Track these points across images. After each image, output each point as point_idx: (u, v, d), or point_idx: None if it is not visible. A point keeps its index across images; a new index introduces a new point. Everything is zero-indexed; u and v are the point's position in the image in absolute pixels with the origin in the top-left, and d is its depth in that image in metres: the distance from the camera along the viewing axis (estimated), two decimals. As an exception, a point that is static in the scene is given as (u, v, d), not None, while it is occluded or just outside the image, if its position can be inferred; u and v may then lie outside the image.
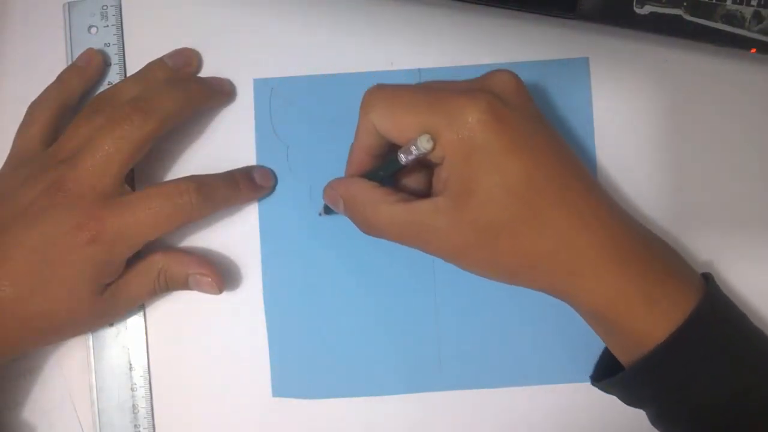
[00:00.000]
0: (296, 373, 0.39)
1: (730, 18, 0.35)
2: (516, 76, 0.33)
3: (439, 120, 0.31)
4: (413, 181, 0.35)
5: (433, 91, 0.32)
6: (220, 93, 0.40)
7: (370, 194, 0.34)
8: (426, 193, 0.35)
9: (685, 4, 0.35)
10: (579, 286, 0.32)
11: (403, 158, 0.32)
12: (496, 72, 0.33)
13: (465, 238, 0.32)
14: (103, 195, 0.35)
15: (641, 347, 0.32)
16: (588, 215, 0.32)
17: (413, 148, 0.31)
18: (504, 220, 0.31)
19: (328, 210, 0.38)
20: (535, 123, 0.33)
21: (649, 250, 0.33)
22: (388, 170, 0.34)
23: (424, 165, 0.34)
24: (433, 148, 0.31)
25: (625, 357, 0.33)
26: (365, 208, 0.34)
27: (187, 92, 0.37)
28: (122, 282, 0.36)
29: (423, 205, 0.32)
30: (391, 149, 0.34)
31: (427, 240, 0.33)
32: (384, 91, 0.33)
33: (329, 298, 0.39)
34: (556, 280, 0.32)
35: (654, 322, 0.31)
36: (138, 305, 0.39)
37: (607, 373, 0.34)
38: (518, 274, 0.33)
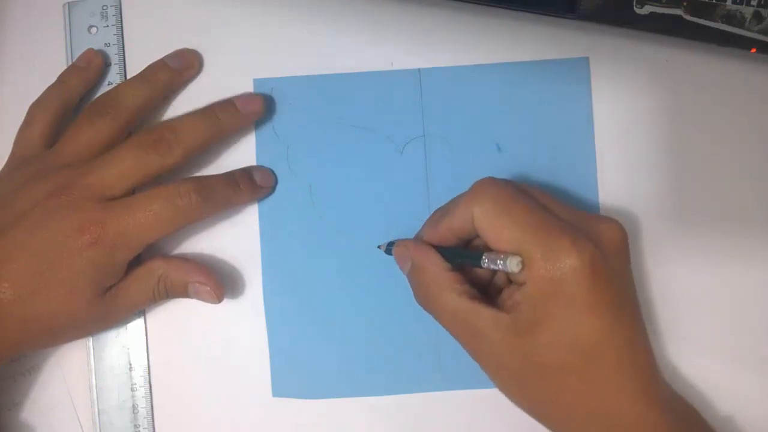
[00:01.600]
0: (296, 373, 0.39)
1: (730, 18, 0.35)
2: (624, 232, 0.33)
3: (537, 250, 0.31)
4: (483, 271, 0.35)
5: (542, 216, 0.32)
6: (253, 115, 0.39)
7: (440, 275, 0.33)
8: (491, 284, 0.35)
9: (685, 4, 0.35)
10: None
11: (486, 263, 0.32)
12: (606, 221, 0.33)
13: (513, 364, 0.32)
14: (106, 199, 0.35)
15: None
16: (639, 390, 0.32)
17: (500, 262, 0.31)
18: (558, 366, 0.31)
19: (389, 251, 0.37)
20: (625, 287, 0.33)
21: None
22: (466, 263, 0.34)
23: None
24: (520, 272, 0.31)
25: None
26: (430, 285, 0.34)
27: (216, 125, 0.37)
28: (122, 287, 0.36)
29: (486, 313, 0.32)
30: (475, 236, 0.34)
31: (475, 345, 0.33)
32: (497, 191, 0.33)
33: (329, 298, 0.39)
34: None
35: None
36: (137, 311, 0.39)
37: None
38: (549, 417, 0.33)
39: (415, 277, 0.35)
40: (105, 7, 0.41)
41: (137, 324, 0.40)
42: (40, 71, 0.40)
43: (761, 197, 0.39)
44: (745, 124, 0.39)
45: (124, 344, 0.40)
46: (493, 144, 0.39)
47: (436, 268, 0.34)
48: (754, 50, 0.36)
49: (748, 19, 0.35)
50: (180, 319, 0.40)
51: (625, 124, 0.39)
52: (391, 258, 0.39)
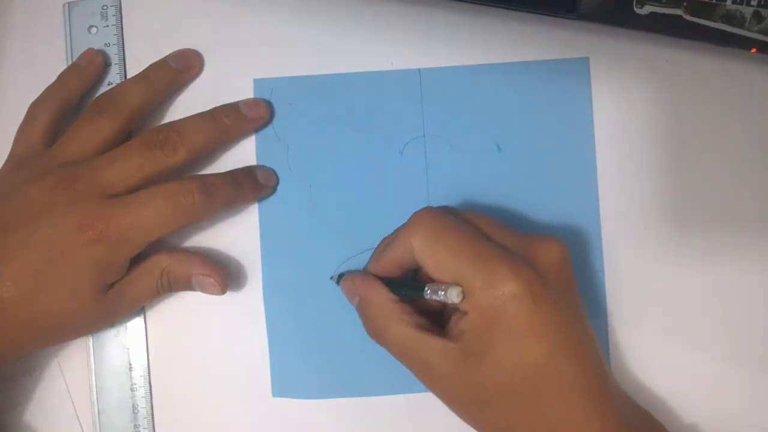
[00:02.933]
0: (296, 373, 0.39)
1: (730, 18, 0.35)
2: (564, 251, 0.33)
3: (476, 279, 0.31)
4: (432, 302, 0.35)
5: (479, 244, 0.32)
6: (257, 120, 0.39)
7: (387, 307, 0.34)
8: (438, 315, 0.35)
9: (685, 4, 0.35)
10: None
11: (428, 294, 0.32)
12: (546, 241, 0.33)
13: (465, 393, 0.32)
14: (108, 196, 0.35)
15: None
16: (590, 407, 0.32)
17: (441, 293, 0.31)
18: (506, 393, 0.31)
19: (340, 283, 0.37)
20: (568, 306, 0.33)
21: None
22: (410, 295, 0.34)
23: None
24: (461, 302, 0.31)
25: None
26: (378, 318, 0.34)
27: (221, 128, 0.38)
28: (125, 282, 0.36)
29: (434, 343, 0.32)
30: (418, 269, 0.34)
31: (428, 376, 0.33)
32: (433, 221, 0.33)
33: (329, 298, 0.39)
34: None
35: None
36: (140, 306, 0.39)
37: None
38: None
39: (363, 311, 0.35)
40: (105, 7, 0.41)
41: (137, 324, 0.40)
42: (40, 71, 0.40)
43: (761, 197, 0.39)
44: (745, 124, 0.39)
45: (124, 344, 0.40)
46: (493, 144, 0.39)
47: (383, 300, 0.34)
48: (754, 50, 0.36)
49: (748, 19, 0.35)
50: (180, 319, 0.40)
51: (625, 124, 0.39)
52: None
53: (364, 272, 0.36)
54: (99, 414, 0.39)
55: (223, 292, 0.38)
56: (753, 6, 0.35)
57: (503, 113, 0.39)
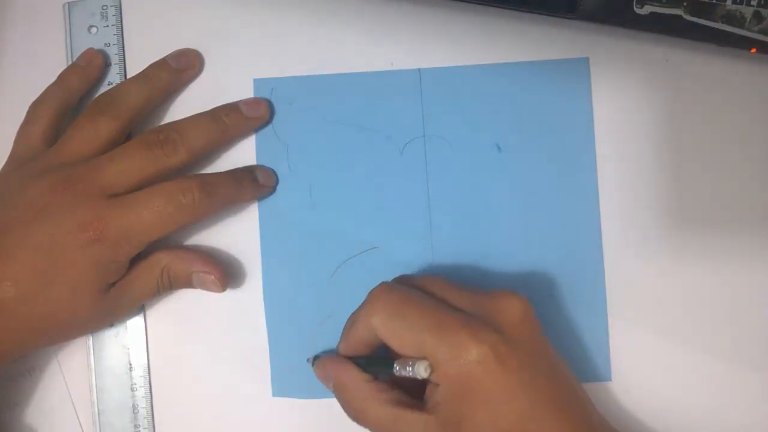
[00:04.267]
0: (296, 373, 0.39)
1: (730, 18, 0.35)
2: (525, 304, 0.32)
3: (440, 350, 0.31)
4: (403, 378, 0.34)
5: (437, 313, 0.32)
6: (257, 119, 0.39)
7: (361, 388, 0.33)
8: (418, 382, 0.34)
9: (685, 4, 0.35)
10: None
11: (398, 371, 0.32)
12: (504, 297, 0.32)
13: None
14: (108, 196, 0.35)
15: None
16: None
17: (409, 368, 0.31)
18: None
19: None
20: (538, 361, 0.32)
21: None
22: (381, 374, 0.34)
23: None
24: (430, 375, 0.31)
25: None
26: (353, 400, 0.33)
27: (222, 128, 0.38)
28: (126, 281, 0.36)
29: (412, 418, 0.32)
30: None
31: None
32: (390, 298, 0.33)
33: (329, 298, 0.39)
34: None
35: None
36: (141, 304, 0.39)
37: None
38: None
39: (338, 394, 0.34)
40: (105, 7, 0.41)
41: (137, 324, 0.40)
42: (40, 71, 0.40)
43: (761, 197, 0.39)
44: (745, 123, 0.39)
45: (124, 344, 0.40)
46: (493, 144, 0.39)
47: (356, 381, 0.33)
48: (754, 50, 0.36)
49: (748, 19, 0.35)
50: (180, 320, 0.40)
51: (625, 124, 0.39)
52: (390, 258, 0.39)
53: (335, 354, 0.35)
54: (99, 414, 0.39)
55: (224, 289, 0.38)
56: (753, 6, 0.35)
57: (503, 113, 0.39)
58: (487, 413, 0.30)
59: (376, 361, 0.34)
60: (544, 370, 0.32)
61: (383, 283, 0.34)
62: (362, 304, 0.34)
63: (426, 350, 0.31)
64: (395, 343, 0.32)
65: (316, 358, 0.37)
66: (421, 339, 0.31)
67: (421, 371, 0.31)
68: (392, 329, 0.32)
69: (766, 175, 0.39)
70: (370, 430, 0.33)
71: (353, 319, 0.34)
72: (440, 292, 0.34)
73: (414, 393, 0.33)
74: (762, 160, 0.39)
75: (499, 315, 0.32)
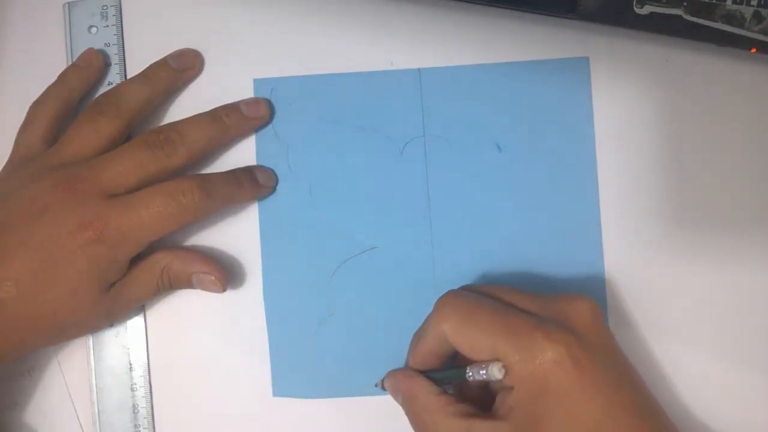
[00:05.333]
0: (296, 373, 0.39)
1: (730, 18, 0.35)
2: (594, 307, 0.32)
3: (513, 352, 0.30)
4: (476, 382, 0.34)
5: (509, 316, 0.32)
6: (257, 119, 0.39)
7: (431, 401, 0.33)
8: (485, 396, 0.34)
9: (685, 4, 0.35)
10: None
11: (471, 376, 0.32)
12: (574, 301, 0.32)
13: None
14: (108, 196, 0.35)
15: None
16: None
17: (483, 372, 0.31)
18: None
19: (384, 388, 0.37)
20: (612, 362, 0.32)
21: None
22: (453, 380, 0.33)
23: None
24: (504, 377, 0.31)
25: None
26: (423, 414, 0.33)
27: (222, 128, 0.38)
28: (126, 281, 0.36)
29: (483, 426, 0.31)
30: (457, 351, 0.33)
31: None
32: (459, 303, 0.33)
33: (329, 298, 0.39)
34: None
35: None
36: (141, 305, 0.39)
37: None
38: None
39: (407, 407, 0.34)
40: (105, 7, 0.41)
41: (137, 324, 0.40)
42: (40, 71, 0.40)
43: (761, 197, 0.39)
44: (745, 123, 0.39)
45: (124, 344, 0.40)
46: (493, 144, 0.39)
47: (425, 394, 0.33)
48: (754, 50, 0.36)
49: (748, 19, 0.35)
50: (180, 319, 0.40)
51: (625, 124, 0.39)
52: (390, 258, 0.39)
53: (406, 368, 0.35)
54: (99, 414, 0.39)
55: (224, 290, 0.38)
56: (753, 6, 0.35)
57: (503, 113, 0.39)
58: (564, 415, 0.30)
59: (445, 371, 0.34)
60: (617, 372, 0.32)
61: (450, 291, 0.34)
62: (430, 313, 0.34)
63: (499, 353, 0.31)
64: (466, 348, 0.32)
65: (383, 381, 0.37)
66: (493, 342, 0.31)
67: (495, 372, 0.30)
68: (463, 334, 0.32)
69: (766, 174, 0.39)
70: None
71: (421, 330, 0.34)
72: (508, 297, 0.33)
73: (481, 407, 0.33)
74: (762, 159, 0.39)
75: (570, 317, 0.32)
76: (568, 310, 0.32)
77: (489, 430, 0.31)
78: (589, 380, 0.30)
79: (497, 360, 0.31)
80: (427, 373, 0.34)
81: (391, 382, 0.35)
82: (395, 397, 0.35)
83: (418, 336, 0.34)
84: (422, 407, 0.33)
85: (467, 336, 0.32)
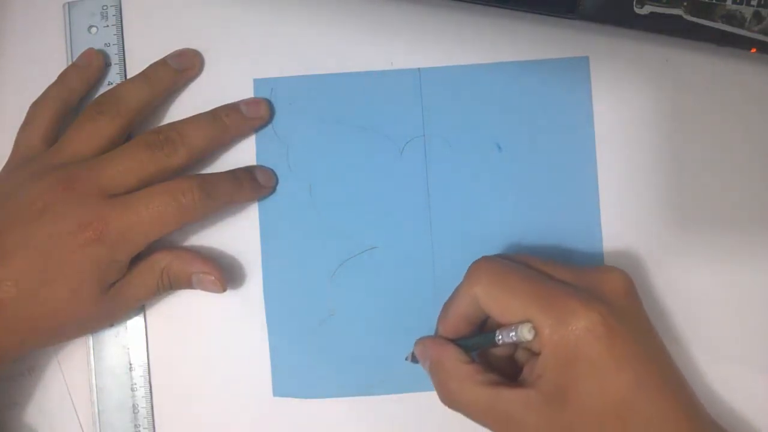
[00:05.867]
0: (296, 373, 0.39)
1: (730, 18, 0.35)
2: (628, 278, 0.33)
3: (546, 316, 0.31)
4: (502, 350, 0.35)
5: (543, 282, 0.32)
6: (257, 120, 0.39)
7: (459, 369, 0.33)
8: (512, 368, 0.34)
9: (685, 4, 0.35)
10: None
11: (500, 339, 0.32)
12: (607, 271, 0.33)
13: None
14: (108, 196, 0.35)
15: None
16: None
17: (513, 334, 0.31)
18: (596, 429, 0.30)
19: (415, 360, 0.37)
20: (644, 335, 0.32)
21: None
22: (482, 345, 0.34)
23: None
24: (534, 339, 0.31)
25: None
26: (450, 381, 0.33)
27: (222, 128, 0.38)
28: (126, 281, 0.36)
29: (512, 395, 0.31)
30: (487, 317, 0.33)
31: (510, 428, 0.32)
32: (492, 268, 0.33)
33: (329, 298, 0.39)
34: None
35: None
36: (141, 305, 0.39)
37: None
38: None
39: (434, 374, 0.34)
40: (105, 7, 0.41)
41: (137, 324, 0.40)
42: (40, 71, 0.40)
43: (762, 197, 0.39)
44: (745, 123, 0.39)
45: (124, 344, 0.40)
46: (493, 144, 0.39)
47: (454, 362, 0.33)
48: (754, 50, 0.36)
49: (748, 19, 0.35)
50: (180, 319, 0.40)
51: (625, 124, 0.39)
52: (390, 258, 0.39)
53: (435, 335, 0.35)
54: (99, 414, 0.39)
55: (224, 290, 0.38)
56: (753, 6, 0.35)
57: (503, 113, 0.39)
58: (595, 383, 0.30)
59: (475, 339, 0.34)
60: (649, 344, 0.32)
61: (483, 256, 0.34)
62: (462, 279, 0.34)
63: (531, 316, 0.31)
64: (497, 312, 0.32)
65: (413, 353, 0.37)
66: (526, 307, 0.31)
67: (525, 333, 0.30)
68: (495, 298, 0.32)
69: (766, 174, 0.39)
70: (463, 411, 0.33)
71: (452, 296, 0.34)
72: (541, 266, 0.33)
73: (508, 379, 0.33)
74: (762, 159, 0.39)
75: (604, 288, 0.32)
76: (603, 280, 0.32)
77: (517, 398, 0.31)
78: (620, 351, 0.30)
79: (527, 321, 0.31)
80: (456, 341, 0.34)
81: (420, 349, 0.35)
82: (423, 364, 0.35)
83: (449, 302, 0.34)
84: (450, 374, 0.33)
85: (499, 299, 0.32)
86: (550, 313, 0.31)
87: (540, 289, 0.31)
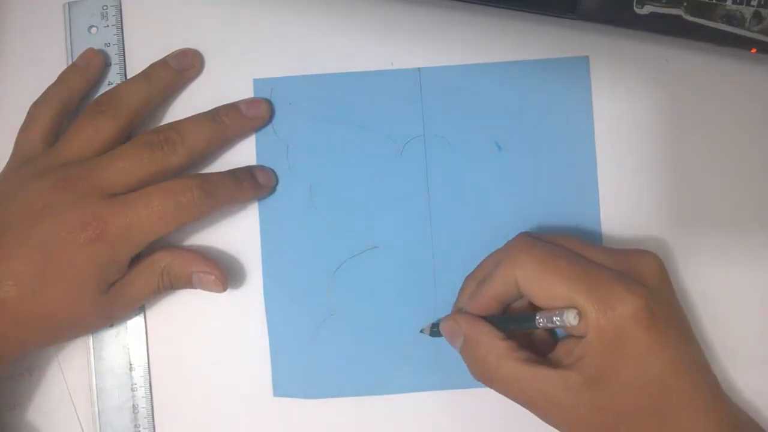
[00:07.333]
0: (296, 373, 0.39)
1: (730, 18, 0.35)
2: (661, 263, 0.33)
3: (593, 302, 0.31)
4: (527, 335, 0.35)
5: (586, 267, 0.32)
6: (257, 119, 0.39)
7: (496, 345, 0.33)
8: (545, 345, 0.34)
9: (685, 4, 0.35)
10: None
11: (540, 322, 0.32)
12: (644, 256, 0.33)
13: (589, 419, 0.32)
14: (108, 195, 0.35)
15: None
16: (712, 418, 0.32)
17: (556, 318, 0.31)
18: (632, 409, 0.31)
19: (434, 333, 0.37)
20: (678, 319, 0.33)
21: None
22: (521, 328, 0.33)
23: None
24: (578, 324, 0.31)
25: None
26: (488, 357, 0.33)
27: (221, 128, 0.38)
28: (126, 281, 0.36)
29: (552, 376, 0.31)
30: (515, 300, 0.33)
31: (545, 409, 0.32)
32: (535, 250, 0.33)
33: (329, 298, 0.39)
34: None
35: None
36: (141, 304, 0.39)
37: None
38: None
39: (469, 352, 0.34)
40: (105, 7, 0.41)
41: (137, 323, 0.40)
42: (40, 71, 0.40)
43: (761, 196, 0.39)
44: (745, 124, 0.39)
45: (124, 344, 0.40)
46: (493, 143, 0.39)
47: (491, 339, 0.33)
48: (754, 50, 0.36)
49: (748, 19, 0.35)
50: (180, 320, 0.40)
51: (625, 124, 0.39)
52: (390, 257, 0.39)
53: (465, 312, 0.35)
54: (99, 414, 0.39)
55: (224, 290, 0.38)
56: (753, 6, 0.35)
57: (503, 113, 0.39)
58: (635, 367, 0.31)
59: (511, 318, 0.34)
60: (682, 328, 0.33)
61: (521, 235, 0.34)
62: (499, 258, 0.33)
63: (576, 301, 0.31)
64: (540, 296, 0.32)
65: (434, 325, 0.36)
66: (570, 290, 0.31)
67: (570, 319, 0.31)
68: (538, 282, 0.32)
69: (766, 174, 0.39)
70: (502, 389, 0.33)
71: (484, 275, 0.34)
72: (578, 249, 0.33)
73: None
74: (762, 159, 0.39)
75: (642, 272, 0.32)
76: (641, 264, 0.33)
77: (556, 378, 0.31)
78: (659, 335, 0.31)
79: (573, 307, 0.31)
80: (488, 319, 0.34)
81: (450, 326, 0.35)
82: (453, 342, 0.35)
83: (480, 280, 0.34)
84: (487, 352, 0.33)
85: (543, 284, 0.32)
86: (596, 299, 0.31)
87: (583, 274, 0.32)
